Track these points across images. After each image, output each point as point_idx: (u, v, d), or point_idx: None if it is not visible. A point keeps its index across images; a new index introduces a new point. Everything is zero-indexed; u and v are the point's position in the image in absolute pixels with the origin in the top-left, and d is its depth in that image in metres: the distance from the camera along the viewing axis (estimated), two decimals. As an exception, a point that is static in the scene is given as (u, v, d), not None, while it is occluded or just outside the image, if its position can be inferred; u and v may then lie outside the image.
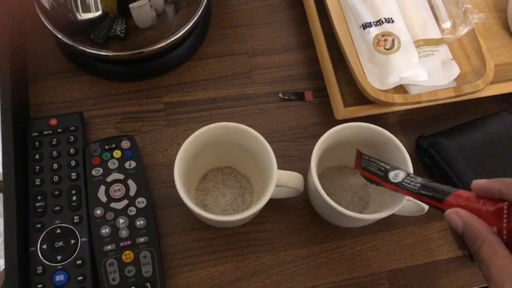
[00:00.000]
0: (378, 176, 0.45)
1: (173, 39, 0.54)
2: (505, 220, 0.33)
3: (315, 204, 0.51)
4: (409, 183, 0.41)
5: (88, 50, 0.52)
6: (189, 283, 0.49)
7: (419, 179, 0.41)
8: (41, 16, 0.53)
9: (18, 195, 0.47)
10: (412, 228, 0.53)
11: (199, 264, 0.50)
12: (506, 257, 0.31)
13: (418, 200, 0.40)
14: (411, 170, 0.45)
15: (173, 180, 0.43)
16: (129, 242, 0.47)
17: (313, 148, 0.46)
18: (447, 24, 0.58)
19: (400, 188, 0.42)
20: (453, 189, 0.37)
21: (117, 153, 0.51)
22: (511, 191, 0.33)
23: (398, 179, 0.42)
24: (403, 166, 0.46)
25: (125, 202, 0.49)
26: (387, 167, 0.44)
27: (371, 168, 0.46)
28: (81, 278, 0.46)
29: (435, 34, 0.58)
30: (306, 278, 0.50)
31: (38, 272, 0.46)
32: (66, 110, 0.55)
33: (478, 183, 0.35)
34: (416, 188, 0.40)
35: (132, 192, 0.49)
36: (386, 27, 0.56)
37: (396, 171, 0.43)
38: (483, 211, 0.34)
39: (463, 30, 0.58)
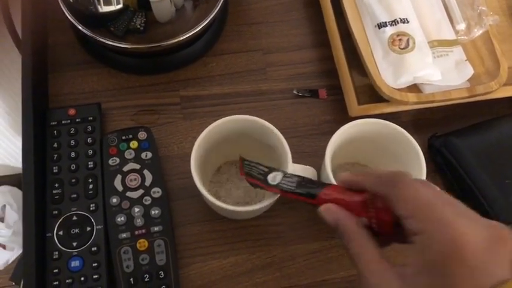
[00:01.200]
0: (260, 180, 0.43)
1: (190, 34, 0.55)
2: (371, 210, 0.34)
3: (327, 199, 0.51)
4: (285, 184, 0.41)
5: (107, 42, 0.54)
6: (201, 273, 0.50)
7: (295, 178, 0.40)
8: (62, 8, 0.55)
9: (37, 182, 0.48)
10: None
11: (211, 255, 0.50)
12: (371, 254, 0.32)
13: (296, 199, 0.39)
14: (424, 169, 0.45)
15: (188, 172, 0.44)
16: (143, 231, 0.48)
17: (326, 145, 0.47)
18: (462, 26, 0.59)
19: (279, 189, 0.41)
20: (324, 184, 0.38)
21: (133, 144, 0.52)
22: (370, 182, 0.34)
23: (276, 181, 0.41)
24: (416, 164, 0.46)
25: (141, 192, 0.49)
26: (266, 169, 0.43)
27: (253, 173, 0.44)
28: (95, 264, 0.47)
29: (449, 35, 0.59)
30: (316, 272, 0.51)
31: (54, 257, 0.47)
32: (84, 100, 0.57)
33: (343, 176, 0.36)
34: (293, 188, 0.40)
35: (147, 182, 0.50)
36: (402, 27, 0.56)
37: (274, 173, 0.42)
38: (352, 203, 0.35)
39: (477, 32, 0.58)
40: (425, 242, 0.30)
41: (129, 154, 0.51)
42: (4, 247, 0.83)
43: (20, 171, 0.48)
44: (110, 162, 0.51)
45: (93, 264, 0.47)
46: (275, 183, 0.41)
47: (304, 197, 0.39)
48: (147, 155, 0.51)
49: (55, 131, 0.52)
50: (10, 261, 0.81)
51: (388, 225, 0.33)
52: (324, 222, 0.35)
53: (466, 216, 0.30)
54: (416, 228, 0.30)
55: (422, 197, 0.31)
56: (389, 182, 0.33)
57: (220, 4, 0.57)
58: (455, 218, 0.29)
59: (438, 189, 0.35)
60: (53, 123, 0.53)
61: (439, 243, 0.29)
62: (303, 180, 0.40)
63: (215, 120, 0.46)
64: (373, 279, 0.31)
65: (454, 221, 0.29)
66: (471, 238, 0.28)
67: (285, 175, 0.42)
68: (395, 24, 0.57)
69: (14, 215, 0.80)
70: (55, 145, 0.52)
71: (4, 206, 0.81)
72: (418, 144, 0.47)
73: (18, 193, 0.55)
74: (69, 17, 0.54)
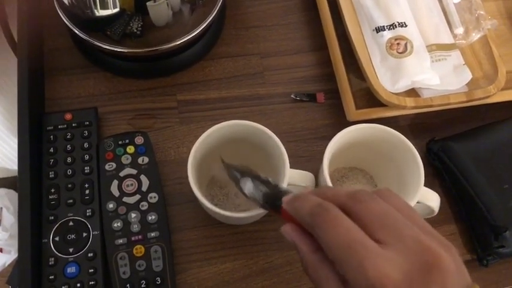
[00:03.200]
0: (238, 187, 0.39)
1: (188, 38, 0.54)
2: None
3: (324, 204, 0.51)
4: (255, 194, 0.37)
5: (104, 46, 0.53)
6: (198, 279, 0.49)
7: (262, 189, 0.36)
8: (59, 11, 0.54)
9: (33, 187, 0.48)
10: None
11: (208, 261, 0.50)
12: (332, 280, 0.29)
13: (269, 211, 0.37)
14: (422, 174, 0.45)
15: (185, 177, 0.44)
16: (140, 237, 0.48)
17: (323, 149, 0.47)
18: (460, 30, 0.59)
19: (251, 199, 0.37)
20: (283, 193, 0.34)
21: (130, 149, 0.51)
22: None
23: (247, 190, 0.37)
24: (414, 169, 0.46)
25: (137, 197, 0.49)
26: (238, 176, 0.39)
27: (231, 176, 0.40)
28: (92, 270, 0.46)
29: (448, 39, 0.58)
30: (314, 277, 0.50)
31: (50, 263, 0.46)
32: (81, 105, 0.56)
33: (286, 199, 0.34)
34: (261, 200, 0.36)
35: (144, 188, 0.50)
36: (400, 31, 0.56)
37: (244, 181, 0.38)
38: None
39: (475, 36, 0.58)
40: None
41: (125, 159, 0.51)
42: (1, 250, 0.82)
43: (17, 173, 0.48)
44: (107, 167, 0.50)
45: (90, 271, 0.46)
46: (247, 192, 0.37)
47: (272, 209, 0.36)
48: (143, 160, 0.51)
49: (51, 136, 0.52)
50: (7, 264, 0.80)
51: None
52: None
53: (387, 248, 0.27)
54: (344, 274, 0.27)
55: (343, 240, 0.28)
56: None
57: (217, 8, 0.56)
58: (371, 257, 0.26)
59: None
60: (49, 127, 0.52)
61: None
62: (267, 190, 0.36)
63: (212, 125, 0.46)
64: None
65: (371, 261, 0.26)
66: (390, 277, 0.26)
67: (254, 183, 0.37)
68: (393, 28, 0.56)
69: (10, 218, 0.80)
70: (51, 150, 0.51)
71: (1, 208, 0.80)
72: (416, 148, 0.46)
73: (14, 196, 0.55)
74: (65, 20, 0.54)
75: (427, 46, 0.57)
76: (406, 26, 0.57)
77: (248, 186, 0.37)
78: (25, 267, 0.44)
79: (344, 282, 0.28)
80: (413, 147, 0.46)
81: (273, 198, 0.35)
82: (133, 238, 0.47)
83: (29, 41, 0.54)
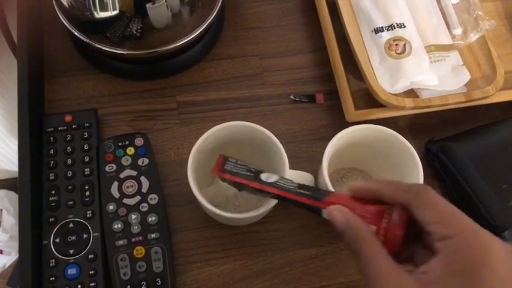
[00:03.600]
0: (249, 178, 0.42)
1: (187, 39, 0.55)
2: (384, 221, 0.34)
3: (324, 205, 0.51)
4: (284, 184, 0.40)
5: (104, 48, 0.53)
6: (199, 280, 0.49)
7: (295, 182, 0.40)
8: (58, 13, 0.54)
9: (33, 189, 0.48)
10: (420, 231, 0.53)
11: (209, 262, 0.50)
12: (386, 258, 0.31)
13: (294, 198, 0.39)
14: (421, 174, 0.45)
15: (185, 178, 0.44)
16: (140, 238, 0.48)
17: (323, 150, 0.47)
18: (458, 31, 0.59)
19: (273, 187, 0.40)
20: (331, 191, 0.38)
21: (130, 150, 0.51)
22: (389, 190, 0.34)
23: (272, 180, 0.41)
24: (413, 170, 0.46)
25: (138, 198, 0.49)
26: (257, 168, 0.43)
27: (239, 171, 0.43)
28: (92, 272, 0.46)
29: (446, 40, 0.59)
30: (314, 278, 0.51)
31: (51, 265, 0.46)
32: (81, 107, 0.56)
33: (356, 184, 0.36)
34: (293, 188, 0.39)
35: (144, 189, 0.50)
36: (398, 32, 0.56)
37: (268, 173, 0.42)
38: (363, 211, 0.35)
39: (473, 37, 0.58)
40: (453, 247, 0.30)
41: (125, 160, 0.51)
42: (1, 252, 0.82)
43: (17, 174, 0.48)
44: (107, 168, 0.50)
45: (90, 272, 0.46)
46: (270, 181, 0.41)
47: (306, 197, 0.38)
48: (143, 161, 0.51)
49: (51, 138, 0.52)
50: (7, 266, 0.80)
51: (395, 240, 0.33)
52: (331, 223, 0.35)
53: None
54: (443, 234, 0.30)
55: (447, 205, 0.32)
56: (411, 190, 0.33)
57: (217, 9, 0.57)
58: (479, 228, 0.30)
59: None
60: (49, 129, 0.52)
61: (469, 250, 0.29)
62: (305, 184, 0.40)
63: (212, 126, 0.46)
64: (390, 284, 0.30)
65: (481, 230, 0.30)
66: (499, 248, 0.29)
67: (282, 177, 0.41)
68: (392, 29, 0.57)
69: (10, 220, 0.80)
70: (51, 152, 0.51)
71: (1, 210, 0.80)
72: (415, 149, 0.47)
73: (15, 197, 0.55)
74: (65, 22, 0.54)
75: (425, 47, 0.57)
76: (404, 26, 0.57)
77: (273, 177, 0.41)
78: (25, 269, 0.45)
79: None
80: (412, 147, 0.46)
81: (310, 189, 0.39)
82: (133, 239, 0.48)
83: (29, 42, 0.54)
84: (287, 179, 0.41)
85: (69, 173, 0.50)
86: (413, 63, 0.55)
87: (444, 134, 0.56)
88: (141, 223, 0.48)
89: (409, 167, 0.47)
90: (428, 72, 0.55)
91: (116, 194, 0.49)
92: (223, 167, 0.43)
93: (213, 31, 0.61)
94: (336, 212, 0.35)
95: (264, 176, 0.42)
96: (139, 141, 0.52)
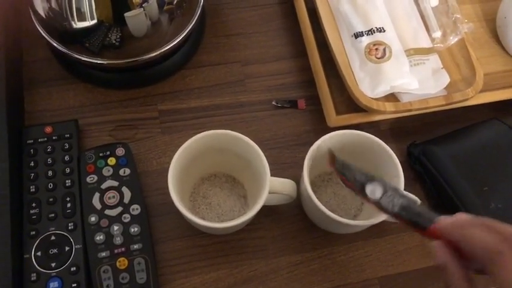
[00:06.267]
0: (356, 188, 0.41)
1: (168, 47, 0.54)
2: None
3: (307, 210, 0.51)
4: (387, 203, 0.38)
5: (83, 58, 0.53)
6: (183, 290, 0.49)
7: (397, 199, 0.38)
8: (36, 24, 0.54)
9: (13, 202, 0.47)
10: (404, 234, 0.54)
11: (193, 271, 0.50)
12: None
13: (394, 219, 0.38)
14: (402, 178, 0.46)
15: (167, 187, 0.44)
16: (123, 249, 0.47)
17: (305, 155, 0.47)
18: (437, 34, 0.59)
19: (374, 203, 0.39)
20: (435, 217, 0.36)
21: (111, 161, 0.51)
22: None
23: (376, 196, 0.39)
24: (394, 174, 0.46)
25: (119, 209, 0.49)
26: (363, 178, 0.41)
27: (348, 176, 0.42)
28: (75, 285, 0.46)
29: (426, 43, 0.59)
30: (299, 284, 0.51)
31: (33, 279, 0.46)
32: (61, 117, 0.56)
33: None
34: (397, 207, 0.38)
35: (126, 199, 0.49)
36: (378, 36, 0.57)
37: (373, 185, 0.40)
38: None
39: (453, 40, 0.59)
40: None
41: (107, 171, 0.50)
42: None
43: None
44: (88, 179, 0.50)
45: (73, 285, 0.46)
46: (375, 198, 0.39)
47: (409, 222, 0.37)
48: (125, 171, 0.51)
49: (31, 150, 0.51)
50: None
51: None
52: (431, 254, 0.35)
53: None
54: None
55: None
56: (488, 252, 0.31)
57: (196, 16, 0.56)
58: None
59: None
60: (30, 141, 0.52)
61: None
62: (408, 205, 0.38)
63: (194, 134, 0.46)
64: None
65: None
66: None
67: (385, 191, 0.39)
68: (372, 34, 0.57)
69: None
70: (32, 164, 0.51)
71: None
72: (397, 152, 0.47)
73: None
74: (42, 33, 0.54)
75: (405, 50, 0.57)
76: (384, 31, 0.57)
77: (378, 192, 0.39)
78: (6, 284, 0.44)
79: None
80: (392, 152, 0.47)
81: (413, 213, 0.37)
82: (116, 251, 0.47)
83: (7, 53, 0.53)
84: (392, 192, 0.39)
85: (50, 185, 0.50)
86: (393, 67, 0.55)
87: (425, 137, 0.56)
88: (124, 234, 0.48)
89: (389, 171, 0.47)
90: (408, 77, 0.55)
91: (98, 205, 0.49)
92: (335, 166, 0.43)
93: (194, 38, 0.61)
94: (439, 251, 0.34)
95: (369, 190, 0.40)
96: (120, 151, 0.52)
